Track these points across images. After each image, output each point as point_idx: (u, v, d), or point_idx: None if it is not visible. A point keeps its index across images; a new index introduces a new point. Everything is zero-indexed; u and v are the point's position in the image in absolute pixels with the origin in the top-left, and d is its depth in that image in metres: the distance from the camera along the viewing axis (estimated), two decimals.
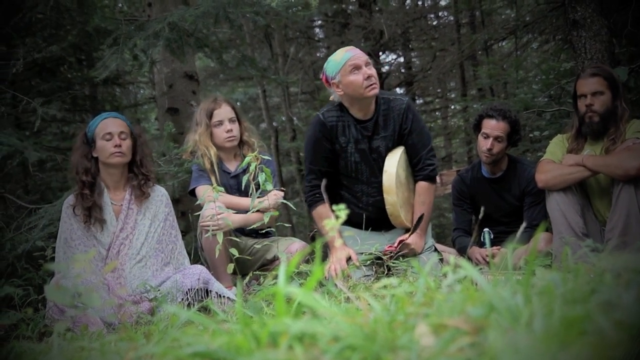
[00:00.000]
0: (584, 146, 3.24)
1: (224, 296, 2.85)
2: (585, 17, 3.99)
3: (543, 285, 0.92)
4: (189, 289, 2.82)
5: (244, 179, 2.76)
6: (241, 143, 3.49)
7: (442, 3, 10.84)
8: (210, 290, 2.86)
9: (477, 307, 0.83)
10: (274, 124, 11.45)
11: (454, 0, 9.27)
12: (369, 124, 3.10)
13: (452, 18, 9.90)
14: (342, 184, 3.23)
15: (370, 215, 3.15)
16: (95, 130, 2.99)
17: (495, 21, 8.39)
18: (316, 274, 0.92)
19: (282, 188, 3.51)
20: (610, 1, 4.32)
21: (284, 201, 3.15)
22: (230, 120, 3.41)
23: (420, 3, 11.03)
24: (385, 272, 2.94)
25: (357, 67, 2.96)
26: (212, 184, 3.23)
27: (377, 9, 10.05)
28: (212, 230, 2.93)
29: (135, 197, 3.04)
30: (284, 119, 11.23)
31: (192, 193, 3.43)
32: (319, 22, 10.87)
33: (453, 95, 11.46)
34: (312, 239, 3.74)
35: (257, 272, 2.98)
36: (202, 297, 2.83)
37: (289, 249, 3.19)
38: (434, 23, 10.72)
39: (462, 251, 3.57)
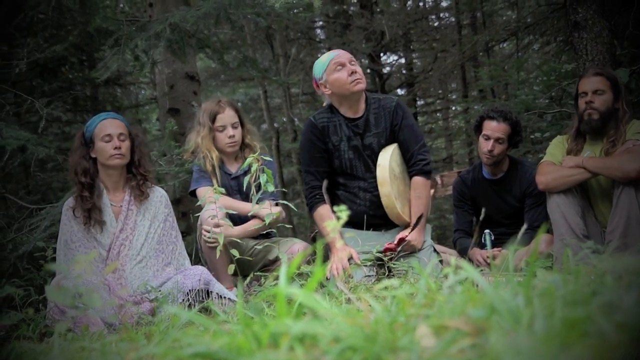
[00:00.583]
0: (584, 147, 3.24)
1: (224, 297, 2.85)
2: (587, 18, 3.99)
3: (544, 287, 0.92)
4: (189, 290, 2.82)
5: (246, 179, 2.76)
6: (243, 145, 3.49)
7: (444, 4, 10.85)
8: (211, 291, 2.86)
9: (478, 309, 0.83)
10: (275, 124, 11.46)
11: (455, 2, 9.28)
12: (359, 122, 3.18)
13: (453, 19, 9.92)
14: (339, 183, 3.28)
15: (369, 212, 3.18)
16: (94, 131, 2.98)
17: (496, 22, 8.39)
18: (317, 274, 0.92)
19: (284, 189, 3.51)
20: (612, 3, 4.32)
21: (285, 202, 3.16)
22: (233, 126, 3.40)
23: (421, 4, 11.04)
24: (386, 273, 2.94)
25: (341, 65, 3.09)
26: (212, 185, 3.24)
27: (378, 10, 10.06)
28: (210, 242, 3.02)
29: (135, 197, 3.04)
30: (285, 119, 11.24)
31: (193, 194, 3.43)
32: (320, 23, 10.88)
33: (454, 97, 11.47)
34: (313, 240, 3.74)
35: (258, 273, 2.98)
36: (203, 298, 2.83)
37: (291, 249, 3.19)
38: (435, 24, 10.73)
39: (463, 252, 3.57)
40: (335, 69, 3.09)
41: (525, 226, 1.77)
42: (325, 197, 3.25)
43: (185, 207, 5.49)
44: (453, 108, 11.55)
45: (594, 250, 2.26)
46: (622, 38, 4.40)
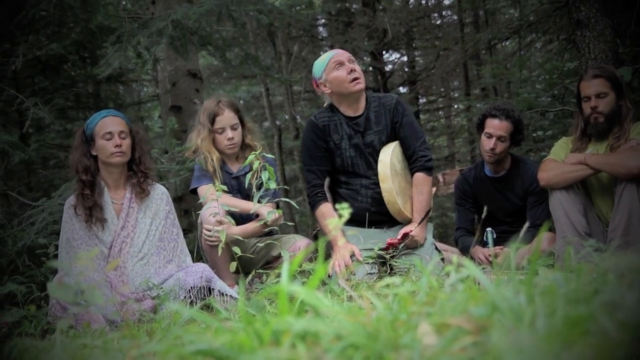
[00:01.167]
0: (588, 146, 3.24)
1: (226, 294, 2.85)
2: (589, 16, 3.98)
3: (546, 285, 0.92)
4: (191, 287, 2.82)
5: (247, 177, 2.75)
6: (244, 145, 3.47)
7: (446, 2, 10.82)
8: (213, 289, 2.86)
9: (480, 307, 0.83)
10: (277, 122, 11.44)
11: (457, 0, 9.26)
12: (360, 120, 3.21)
13: (455, 17, 9.90)
14: (341, 181, 3.29)
15: (370, 209, 3.20)
16: (95, 129, 2.97)
17: (498, 20, 8.38)
18: (319, 272, 0.92)
19: (286, 186, 3.51)
20: (614, 1, 4.31)
21: (287, 199, 3.16)
22: (232, 127, 3.37)
23: (424, 2, 11.02)
24: (388, 271, 2.94)
25: (340, 63, 3.13)
26: (213, 184, 3.23)
27: (380, 7, 10.04)
28: (210, 241, 3.02)
29: (136, 195, 3.04)
30: (287, 117, 11.23)
31: (194, 191, 3.43)
32: (323, 20, 10.86)
33: (456, 95, 11.46)
34: (315, 238, 3.74)
35: (260, 271, 2.98)
36: (204, 295, 2.83)
37: (294, 246, 3.18)
38: (438, 22, 10.72)
39: (464, 250, 3.57)
40: (335, 67, 3.12)
41: (527, 224, 1.77)
42: (327, 195, 3.25)
43: (187, 205, 5.50)
44: (455, 106, 11.54)
45: (596, 248, 2.26)
46: (624, 36, 4.39)
